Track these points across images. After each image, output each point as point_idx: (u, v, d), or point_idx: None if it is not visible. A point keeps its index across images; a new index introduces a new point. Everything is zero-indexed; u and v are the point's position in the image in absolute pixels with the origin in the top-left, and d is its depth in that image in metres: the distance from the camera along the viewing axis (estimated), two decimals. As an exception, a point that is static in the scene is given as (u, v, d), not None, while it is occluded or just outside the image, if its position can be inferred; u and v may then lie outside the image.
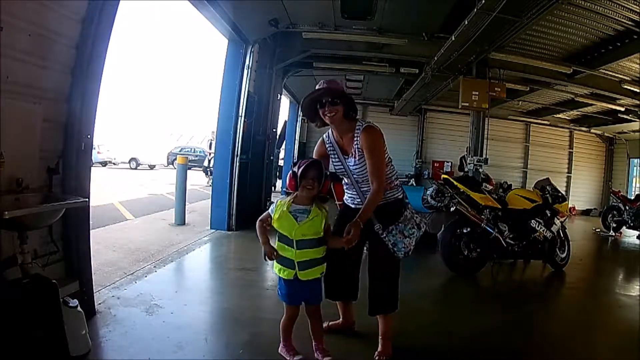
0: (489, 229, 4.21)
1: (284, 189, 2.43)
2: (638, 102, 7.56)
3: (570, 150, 12.22)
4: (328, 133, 2.41)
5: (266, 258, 2.12)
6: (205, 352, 2.30)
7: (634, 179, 12.12)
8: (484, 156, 6.39)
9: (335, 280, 2.42)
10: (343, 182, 2.43)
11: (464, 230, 4.26)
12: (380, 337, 2.35)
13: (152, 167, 19.43)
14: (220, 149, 5.81)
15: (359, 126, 2.26)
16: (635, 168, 12.07)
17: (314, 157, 2.38)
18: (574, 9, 4.76)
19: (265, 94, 6.51)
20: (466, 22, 4.32)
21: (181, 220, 6.01)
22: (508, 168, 11.74)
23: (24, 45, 2.05)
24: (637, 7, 4.55)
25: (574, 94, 8.40)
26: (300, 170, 2.08)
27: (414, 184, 10.69)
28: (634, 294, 4.16)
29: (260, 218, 2.20)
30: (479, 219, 4.21)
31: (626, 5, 4.56)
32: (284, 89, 8.23)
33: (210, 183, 12.06)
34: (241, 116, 5.67)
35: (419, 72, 6.97)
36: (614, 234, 8.20)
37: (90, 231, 2.69)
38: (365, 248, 2.44)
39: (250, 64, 5.79)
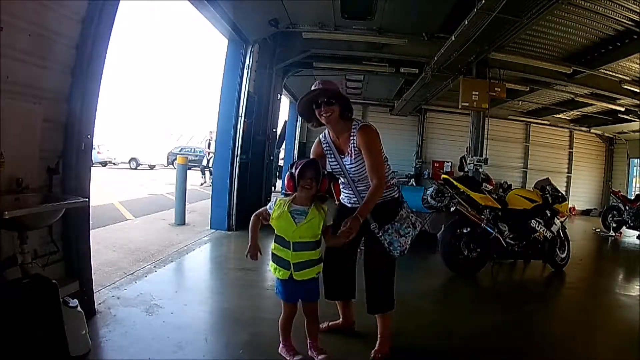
0: (489, 229, 4.21)
1: (284, 190, 2.44)
2: (638, 102, 7.55)
3: (570, 150, 12.21)
4: (324, 133, 2.43)
5: (248, 256, 2.13)
6: (205, 352, 2.30)
7: (634, 179, 12.12)
8: (484, 156, 6.39)
9: (334, 280, 2.44)
10: (340, 181, 2.44)
11: (464, 230, 4.27)
12: (379, 335, 2.37)
13: (152, 167, 19.42)
14: (220, 149, 5.82)
15: (354, 125, 2.28)
16: (635, 168, 12.06)
17: (311, 156, 2.41)
18: (574, 9, 4.76)
19: (265, 94, 6.51)
20: (466, 22, 4.32)
21: (181, 220, 6.01)
22: (508, 168, 11.73)
23: (24, 45, 2.05)
24: (637, 7, 4.55)
25: (574, 94, 8.40)
26: (297, 170, 2.09)
27: (414, 184, 10.68)
28: (634, 294, 4.16)
29: (257, 212, 2.20)
30: (479, 219, 4.21)
31: (626, 5, 4.56)
32: (284, 89, 8.24)
33: (205, 183, 12.05)
34: (241, 116, 5.67)
35: (419, 72, 6.97)
36: (614, 234, 8.20)
37: (90, 231, 2.69)
38: (360, 247, 2.44)
39: (250, 64, 5.79)
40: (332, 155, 2.37)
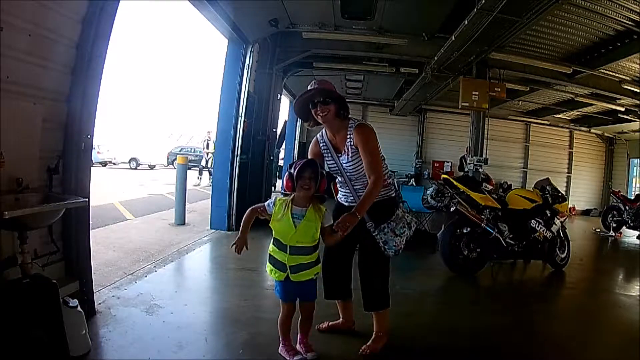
0: (489, 229, 4.21)
1: (283, 190, 2.44)
2: (638, 102, 7.56)
3: (570, 150, 12.21)
4: (322, 132, 2.45)
5: (234, 248, 2.12)
6: (205, 351, 2.31)
7: (634, 179, 12.12)
8: (484, 156, 6.39)
9: (333, 280, 2.46)
10: (337, 180, 2.45)
11: (464, 230, 4.27)
12: (374, 332, 2.41)
13: (152, 167, 19.41)
14: (220, 149, 5.82)
15: (351, 124, 2.31)
16: (635, 168, 12.06)
17: (309, 156, 2.42)
18: (574, 9, 4.76)
19: (265, 94, 6.50)
20: (466, 22, 4.32)
21: (181, 220, 6.01)
22: (508, 168, 11.73)
23: (24, 45, 2.06)
24: (637, 7, 4.55)
25: (574, 94, 8.40)
26: (296, 170, 2.10)
27: (414, 184, 10.67)
28: (634, 294, 4.16)
29: (253, 207, 2.20)
30: (479, 219, 4.21)
31: (626, 5, 4.56)
32: (284, 89, 8.23)
33: (199, 185, 12.00)
34: (241, 116, 5.67)
35: (419, 72, 6.96)
36: (614, 234, 8.20)
37: (90, 231, 2.69)
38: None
39: (250, 64, 5.79)
40: (330, 154, 2.38)
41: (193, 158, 14.22)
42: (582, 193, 12.24)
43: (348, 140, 2.30)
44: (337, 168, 2.36)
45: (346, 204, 2.42)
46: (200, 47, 63.64)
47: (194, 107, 53.10)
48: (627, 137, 11.37)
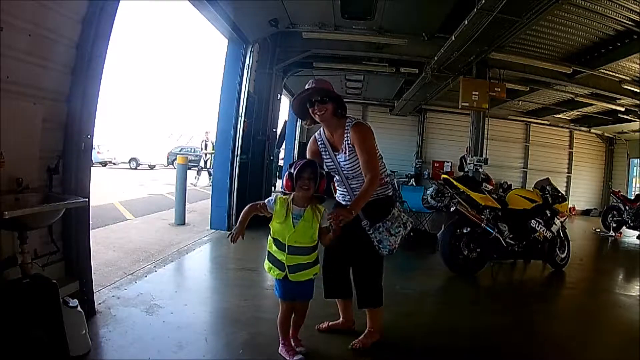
0: (489, 229, 4.21)
1: (283, 190, 2.44)
2: (638, 102, 7.56)
3: (570, 150, 12.21)
4: (320, 131, 2.47)
5: (231, 237, 2.10)
6: (206, 351, 2.31)
7: (634, 179, 12.11)
8: (484, 156, 6.39)
9: (332, 279, 2.47)
10: (335, 179, 2.46)
11: (464, 230, 4.27)
12: (367, 328, 2.44)
13: (152, 167, 19.41)
14: (220, 149, 5.81)
15: (348, 123, 2.33)
16: (635, 168, 12.06)
17: (307, 155, 2.45)
18: (574, 9, 4.76)
19: (265, 94, 6.50)
20: (466, 22, 4.32)
21: (181, 220, 6.01)
22: (508, 168, 11.73)
23: (24, 45, 2.06)
24: (637, 7, 4.55)
25: (574, 94, 8.40)
26: (295, 171, 2.11)
27: (414, 184, 10.67)
28: (634, 294, 4.16)
29: (253, 203, 2.21)
30: (479, 219, 4.21)
31: (626, 5, 4.56)
32: (284, 89, 8.23)
33: (196, 186, 11.96)
34: (241, 116, 5.67)
35: (419, 72, 6.96)
36: (614, 234, 8.20)
37: (90, 231, 2.69)
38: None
39: (250, 64, 5.79)
40: (327, 153, 2.40)
41: (193, 158, 14.20)
42: (582, 193, 12.24)
43: (345, 138, 2.32)
44: (334, 166, 2.38)
45: (344, 202, 2.43)
46: (200, 47, 63.69)
47: (194, 107, 53.11)
48: (627, 137, 11.36)
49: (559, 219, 4.60)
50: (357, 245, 2.36)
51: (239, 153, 5.68)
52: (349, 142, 2.30)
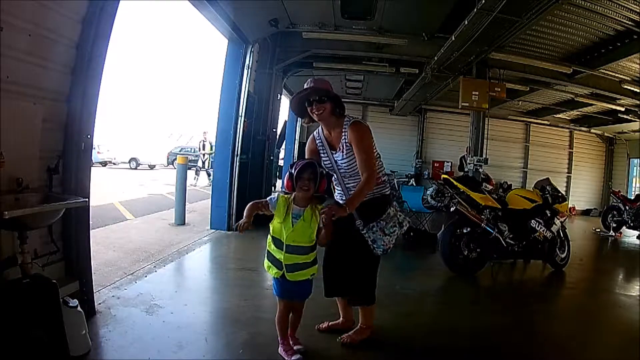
0: (489, 229, 4.21)
1: (283, 189, 2.45)
2: (638, 102, 7.56)
3: (570, 150, 12.21)
4: (318, 130, 2.48)
5: (239, 228, 2.08)
6: (206, 351, 2.31)
7: (634, 179, 12.11)
8: (484, 156, 6.39)
9: (332, 278, 2.47)
10: (333, 178, 2.47)
11: (464, 230, 4.26)
12: (358, 324, 2.47)
13: (152, 167, 19.41)
14: (220, 149, 5.81)
15: (346, 122, 2.34)
16: (635, 168, 12.06)
17: (306, 153, 2.48)
18: (574, 9, 4.76)
19: (265, 94, 6.51)
20: (466, 22, 4.32)
21: (181, 220, 6.01)
22: (508, 168, 11.73)
23: (24, 45, 2.06)
24: (637, 7, 4.56)
25: (574, 94, 8.40)
26: (295, 171, 2.12)
27: (414, 184, 10.68)
28: (634, 294, 4.16)
29: (255, 201, 2.20)
30: (479, 219, 4.21)
31: (626, 5, 4.56)
32: (284, 89, 8.23)
33: (195, 185, 11.94)
34: (241, 116, 5.67)
35: (419, 72, 6.97)
36: (614, 234, 8.20)
37: (90, 231, 2.69)
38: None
39: (250, 64, 5.79)
40: (324, 151, 2.42)
41: (193, 158, 14.19)
42: (582, 193, 12.24)
43: (343, 137, 2.33)
44: (331, 165, 2.40)
45: (341, 202, 2.43)
46: (200, 47, 63.70)
47: (194, 107, 53.10)
48: (627, 137, 11.37)
49: (559, 219, 4.60)
50: (352, 244, 2.37)
51: (239, 153, 5.69)
52: (347, 140, 2.31)
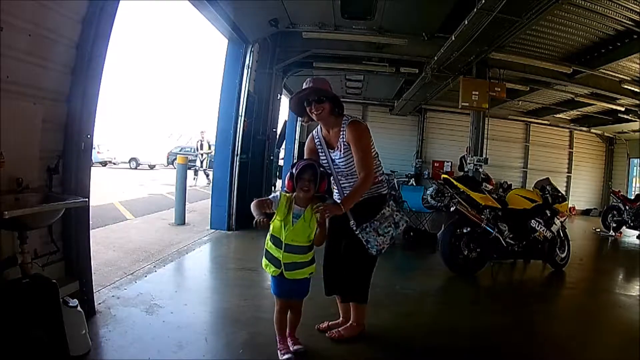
0: (489, 228, 4.21)
1: (283, 189, 2.45)
2: (638, 102, 7.56)
3: (570, 150, 12.21)
4: (317, 129, 2.50)
5: (259, 224, 2.05)
6: (206, 351, 2.31)
7: (634, 179, 12.11)
8: (484, 156, 6.39)
9: (332, 277, 2.49)
10: (331, 178, 2.47)
11: (464, 230, 4.26)
12: (350, 321, 2.48)
13: (152, 167, 19.41)
14: (220, 149, 5.81)
15: (344, 121, 2.35)
16: (635, 168, 12.06)
17: (305, 152, 2.50)
18: (574, 9, 4.76)
19: (265, 94, 6.51)
20: (466, 22, 4.32)
21: (181, 220, 6.01)
22: (508, 168, 11.73)
23: (24, 45, 2.05)
24: (637, 7, 4.55)
25: (574, 94, 8.40)
26: (296, 172, 2.13)
27: (414, 184, 10.67)
28: (634, 294, 4.16)
29: (259, 199, 2.20)
30: (479, 218, 4.21)
31: (626, 5, 4.56)
32: (283, 89, 8.23)
33: (196, 184, 11.89)
34: (241, 116, 5.67)
35: (419, 72, 6.97)
36: (614, 233, 8.20)
37: (90, 231, 2.69)
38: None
39: (250, 64, 5.79)
40: (322, 150, 2.43)
41: (193, 158, 14.18)
42: (582, 193, 12.24)
43: (341, 136, 2.34)
44: (328, 164, 2.40)
45: (339, 201, 2.43)
46: (200, 47, 63.69)
47: (194, 107, 53.09)
48: (627, 137, 11.36)
49: (559, 219, 4.60)
50: (347, 242, 2.38)
51: (239, 153, 5.69)
52: (345, 140, 2.32)
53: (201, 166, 12.48)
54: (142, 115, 32.97)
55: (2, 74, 1.93)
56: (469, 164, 6.51)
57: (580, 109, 9.79)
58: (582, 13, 4.86)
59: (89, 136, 2.54)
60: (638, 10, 4.62)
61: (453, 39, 4.85)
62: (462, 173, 8.54)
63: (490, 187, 7.31)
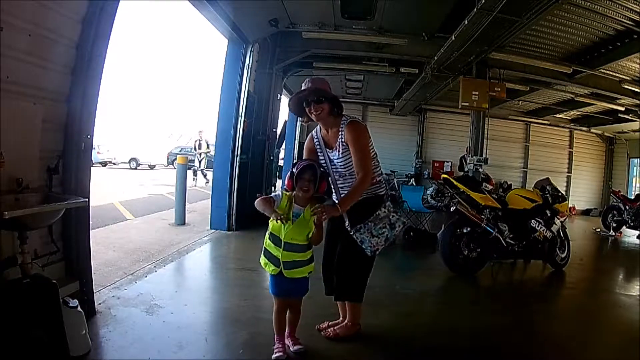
0: (489, 228, 4.21)
1: (283, 188, 2.47)
2: (638, 102, 7.56)
3: (570, 150, 12.20)
4: (317, 128, 2.50)
5: (280, 219, 2.07)
6: (206, 351, 2.31)
7: (634, 179, 12.11)
8: (484, 156, 6.39)
9: (330, 277, 2.48)
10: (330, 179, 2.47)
11: (464, 230, 4.26)
12: (345, 321, 2.49)
13: (152, 167, 19.42)
14: (220, 149, 5.81)
15: (343, 121, 2.35)
16: (635, 168, 12.06)
17: (304, 151, 2.50)
18: (574, 9, 4.76)
19: (265, 94, 6.51)
20: (466, 22, 4.32)
21: (181, 220, 6.01)
22: (508, 168, 11.73)
23: (24, 46, 2.05)
24: (637, 7, 4.55)
25: (574, 94, 8.40)
26: (296, 171, 2.13)
27: (414, 184, 10.67)
28: (634, 294, 4.16)
29: (264, 197, 2.20)
30: (479, 218, 4.21)
31: (626, 5, 4.56)
32: (283, 89, 8.23)
33: (196, 184, 11.84)
34: (241, 116, 5.67)
35: (419, 72, 6.96)
36: (614, 233, 8.20)
37: (90, 231, 2.69)
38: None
39: (250, 64, 5.79)
40: (321, 150, 2.43)
41: (191, 158, 14.15)
42: (582, 193, 12.24)
43: (340, 136, 2.34)
44: (326, 164, 2.41)
45: (336, 201, 2.44)
46: (200, 47, 63.69)
47: (194, 107, 53.09)
48: (627, 137, 11.36)
49: (559, 219, 4.60)
50: (343, 242, 2.38)
51: (239, 153, 5.68)
52: (343, 140, 2.32)
53: (199, 166, 12.42)
54: (142, 115, 32.99)
55: (2, 74, 1.93)
56: (469, 164, 6.51)
57: (580, 109, 9.79)
58: (582, 13, 4.86)
59: (89, 136, 2.54)
60: (638, 10, 4.62)
61: (453, 39, 4.85)
62: (462, 173, 8.55)
63: (490, 187, 7.31)
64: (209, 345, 2.39)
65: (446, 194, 4.58)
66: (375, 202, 2.37)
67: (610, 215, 8.55)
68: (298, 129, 11.92)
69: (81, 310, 2.17)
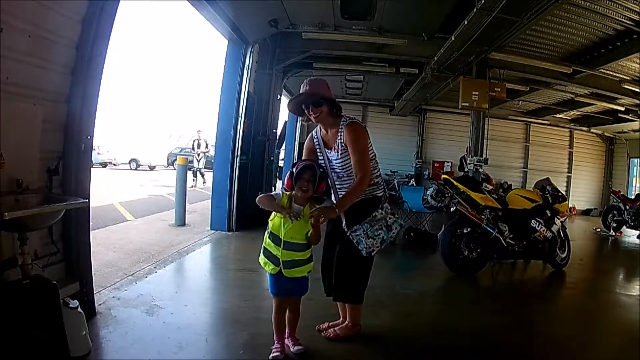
0: (489, 229, 4.21)
1: (282, 187, 2.48)
2: (638, 102, 7.56)
3: (570, 150, 12.21)
4: (317, 128, 2.51)
5: (294, 216, 2.09)
6: (206, 352, 2.31)
7: (634, 179, 12.11)
8: (484, 156, 6.39)
9: (330, 277, 2.48)
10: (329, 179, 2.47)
11: (464, 230, 4.26)
12: (346, 321, 2.50)
13: (152, 168, 19.41)
14: (220, 150, 5.81)
15: (343, 122, 2.35)
16: (635, 168, 12.06)
17: (304, 151, 2.51)
18: (574, 9, 4.76)
19: (265, 94, 6.51)
20: (466, 22, 4.32)
21: (181, 221, 6.01)
22: (508, 168, 11.73)
23: (24, 46, 2.06)
24: (637, 7, 4.56)
25: (574, 93, 8.41)
26: (296, 171, 2.14)
27: (414, 184, 10.68)
28: (634, 294, 4.16)
29: (268, 194, 2.22)
30: (479, 219, 4.21)
31: (626, 5, 4.56)
32: (283, 89, 8.24)
33: (195, 186, 11.81)
34: (241, 116, 5.67)
35: (419, 72, 6.97)
36: (614, 233, 8.20)
37: (91, 232, 2.69)
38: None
39: (250, 65, 5.79)
40: (320, 150, 2.44)
41: (192, 158, 14.11)
42: (582, 193, 12.24)
43: (339, 137, 2.34)
44: (325, 164, 2.41)
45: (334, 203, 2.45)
46: (200, 48, 63.71)
47: (194, 108, 53.05)
48: (627, 136, 11.36)
49: (559, 219, 4.60)
50: (342, 242, 2.38)
51: (239, 154, 5.68)
52: (342, 141, 2.33)
53: (198, 165, 12.37)
54: (142, 116, 32.93)
55: (2, 75, 1.93)
56: (469, 164, 6.51)
57: (580, 109, 9.79)
58: (582, 13, 4.86)
59: (89, 137, 2.54)
60: (638, 10, 4.62)
61: (453, 39, 4.85)
62: (462, 173, 8.54)
63: (491, 187, 7.31)
64: (209, 346, 2.39)
65: (446, 194, 4.59)
66: (373, 203, 2.37)
67: (610, 215, 8.55)
68: (298, 129, 11.92)
69: (81, 311, 2.17)
